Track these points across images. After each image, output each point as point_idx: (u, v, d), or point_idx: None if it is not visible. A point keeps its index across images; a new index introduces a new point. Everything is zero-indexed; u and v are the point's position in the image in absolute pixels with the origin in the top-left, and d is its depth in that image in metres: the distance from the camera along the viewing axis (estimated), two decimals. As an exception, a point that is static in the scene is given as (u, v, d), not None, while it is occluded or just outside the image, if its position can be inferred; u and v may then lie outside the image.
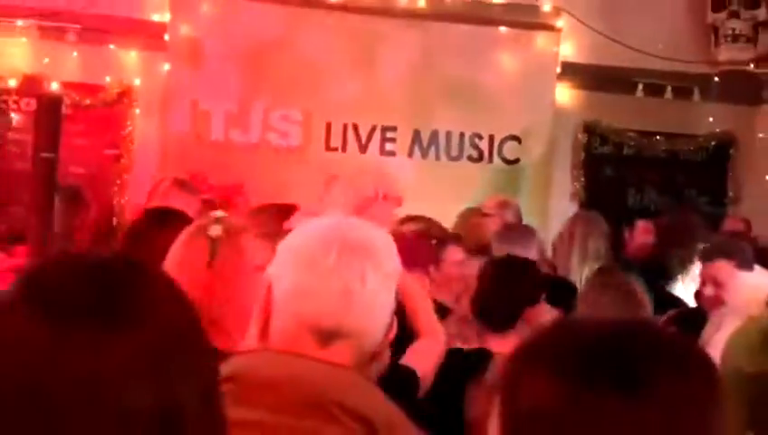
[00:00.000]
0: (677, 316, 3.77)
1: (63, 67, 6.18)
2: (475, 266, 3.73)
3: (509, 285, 3.19)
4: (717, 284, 3.65)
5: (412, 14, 6.52)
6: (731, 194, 7.12)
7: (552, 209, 6.61)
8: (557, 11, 6.63)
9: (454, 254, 4.22)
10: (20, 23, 6.08)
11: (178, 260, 2.35)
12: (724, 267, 3.65)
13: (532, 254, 4.67)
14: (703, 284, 3.81)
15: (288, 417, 1.39)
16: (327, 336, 1.48)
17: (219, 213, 2.50)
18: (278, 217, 3.73)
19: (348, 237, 1.53)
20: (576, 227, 4.94)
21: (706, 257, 3.89)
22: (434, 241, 4.25)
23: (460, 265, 4.16)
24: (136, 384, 0.89)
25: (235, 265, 2.27)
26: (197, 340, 1.00)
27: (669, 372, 0.96)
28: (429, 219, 4.49)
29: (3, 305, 0.93)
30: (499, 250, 4.67)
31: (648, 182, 7.08)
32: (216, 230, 2.37)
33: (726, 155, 7.14)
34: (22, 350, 0.89)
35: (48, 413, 0.87)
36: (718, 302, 3.50)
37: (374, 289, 1.49)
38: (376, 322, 1.51)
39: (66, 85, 6.04)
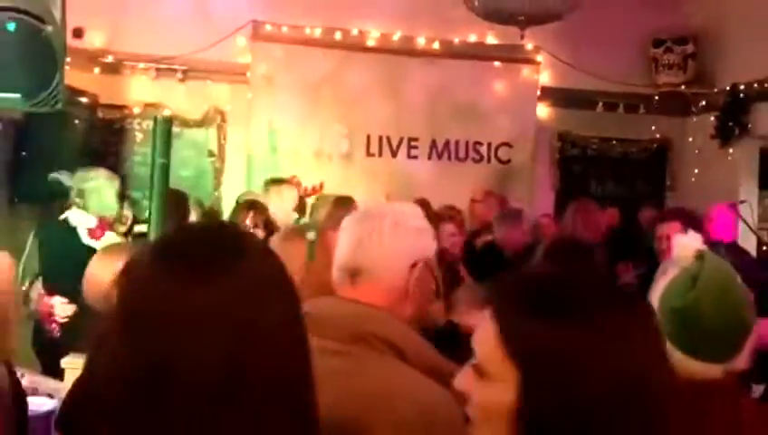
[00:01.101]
0: None
1: (173, 98, 6.39)
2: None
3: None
4: (669, 238, 3.40)
5: (429, 54, 6.73)
6: (669, 183, 7.17)
7: (536, 196, 6.82)
8: (537, 49, 6.81)
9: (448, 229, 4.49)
10: (141, 65, 6.34)
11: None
12: (674, 226, 3.59)
13: (522, 228, 4.90)
14: (660, 241, 3.75)
15: (339, 344, 1.42)
16: (353, 273, 1.51)
17: (307, 220, 2.56)
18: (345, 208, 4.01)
19: (367, 209, 1.61)
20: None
21: (662, 219, 3.87)
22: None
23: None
24: (227, 314, 0.92)
25: (325, 259, 2.33)
26: (278, 285, 1.00)
27: (603, 305, 0.96)
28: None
29: (140, 259, 0.99)
30: (497, 228, 4.93)
31: (606, 176, 7.13)
32: (311, 235, 2.42)
33: (665, 155, 7.17)
34: (151, 288, 0.94)
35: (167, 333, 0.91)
36: (670, 254, 3.48)
37: (382, 237, 1.49)
38: (387, 261, 1.50)
39: (176, 111, 6.28)
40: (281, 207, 4.66)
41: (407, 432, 1.30)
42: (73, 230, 4.13)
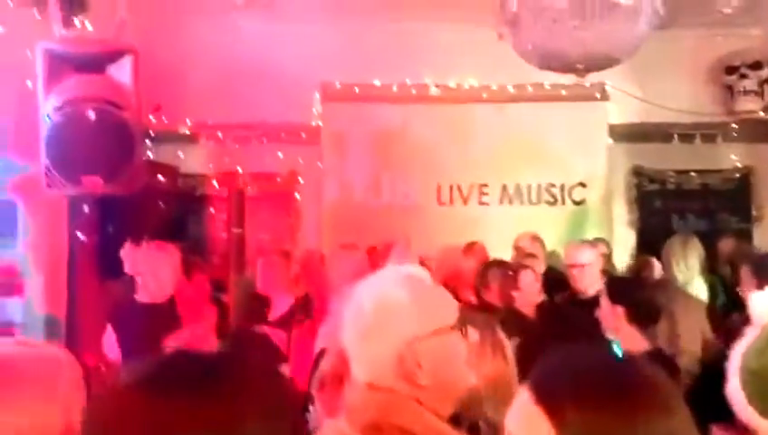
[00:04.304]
0: None
1: (249, 162, 6.54)
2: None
3: None
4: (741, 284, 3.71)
5: (496, 100, 6.71)
6: (754, 213, 6.89)
7: (615, 235, 6.64)
8: (604, 85, 6.59)
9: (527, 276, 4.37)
10: (220, 133, 6.54)
11: None
12: (745, 272, 3.69)
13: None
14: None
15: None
16: None
17: None
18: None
19: None
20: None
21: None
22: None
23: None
24: None
25: None
26: None
27: None
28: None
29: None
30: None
31: (687, 210, 6.91)
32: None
33: (748, 183, 6.88)
34: None
35: None
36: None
37: None
38: None
39: (252, 175, 6.49)
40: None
41: None
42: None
